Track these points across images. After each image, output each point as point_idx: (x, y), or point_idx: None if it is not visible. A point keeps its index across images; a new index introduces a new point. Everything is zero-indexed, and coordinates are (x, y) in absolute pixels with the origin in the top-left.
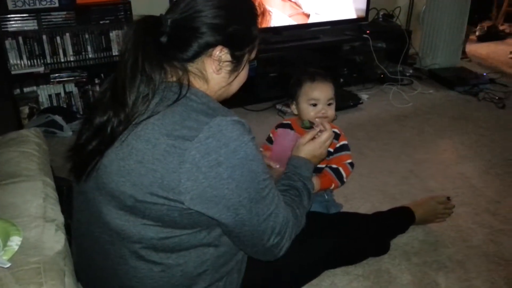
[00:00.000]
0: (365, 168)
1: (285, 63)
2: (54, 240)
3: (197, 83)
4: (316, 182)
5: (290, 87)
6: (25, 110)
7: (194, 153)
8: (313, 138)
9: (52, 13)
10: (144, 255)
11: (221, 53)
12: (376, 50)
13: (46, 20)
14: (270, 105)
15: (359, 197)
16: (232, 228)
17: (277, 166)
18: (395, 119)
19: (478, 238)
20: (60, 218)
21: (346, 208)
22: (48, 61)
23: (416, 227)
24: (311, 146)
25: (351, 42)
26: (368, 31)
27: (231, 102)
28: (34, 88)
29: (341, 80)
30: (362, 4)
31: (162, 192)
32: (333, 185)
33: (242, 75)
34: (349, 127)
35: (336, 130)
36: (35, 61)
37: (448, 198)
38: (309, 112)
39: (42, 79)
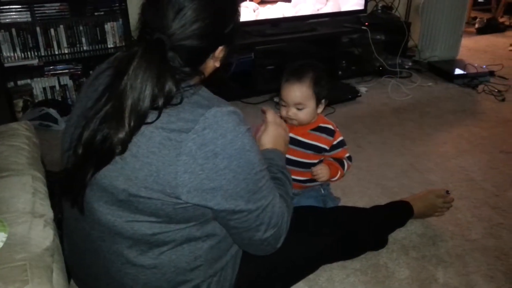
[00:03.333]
0: (363, 162)
1: (283, 55)
2: (42, 236)
3: (194, 80)
4: (326, 171)
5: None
6: (19, 103)
7: (190, 145)
8: None
9: (45, 5)
10: (136, 251)
11: (221, 52)
12: (374, 43)
13: (40, 11)
14: (268, 98)
15: (357, 190)
16: (230, 220)
17: None
18: (394, 112)
19: (477, 232)
20: (50, 214)
21: (343, 202)
22: (42, 54)
23: (414, 221)
24: (266, 135)
25: (350, 34)
26: (366, 23)
27: (228, 95)
28: (28, 81)
29: (340, 72)
30: None
31: (158, 186)
32: (339, 174)
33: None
34: (347, 120)
35: (330, 126)
36: (28, 53)
37: (447, 192)
38: (281, 111)
39: (36, 71)
